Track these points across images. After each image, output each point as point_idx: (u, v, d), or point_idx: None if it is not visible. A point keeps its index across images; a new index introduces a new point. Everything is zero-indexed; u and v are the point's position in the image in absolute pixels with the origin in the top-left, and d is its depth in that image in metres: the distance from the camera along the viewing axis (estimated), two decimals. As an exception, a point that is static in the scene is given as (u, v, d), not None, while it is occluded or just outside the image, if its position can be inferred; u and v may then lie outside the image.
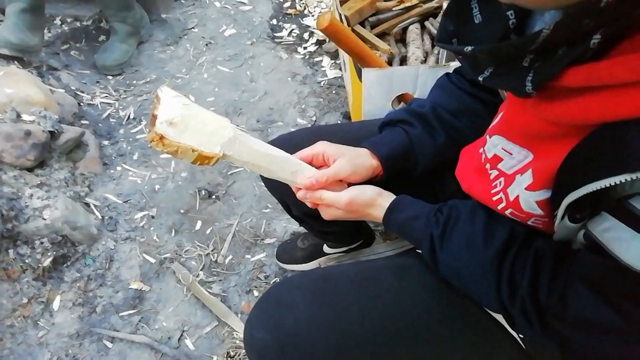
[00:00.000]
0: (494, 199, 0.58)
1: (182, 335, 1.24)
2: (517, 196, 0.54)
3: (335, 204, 0.71)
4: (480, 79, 0.49)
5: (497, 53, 0.46)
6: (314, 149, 0.74)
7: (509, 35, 0.50)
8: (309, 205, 0.74)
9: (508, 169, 0.56)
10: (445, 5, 1.45)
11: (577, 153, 0.44)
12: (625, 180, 0.38)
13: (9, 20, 1.66)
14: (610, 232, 0.43)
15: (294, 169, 0.71)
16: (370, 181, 0.76)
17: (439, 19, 1.49)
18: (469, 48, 0.46)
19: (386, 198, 0.71)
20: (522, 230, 0.58)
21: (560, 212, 0.47)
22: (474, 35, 0.51)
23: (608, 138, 0.40)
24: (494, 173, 0.59)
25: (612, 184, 0.39)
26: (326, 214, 0.73)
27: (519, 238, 0.58)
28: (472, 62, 0.50)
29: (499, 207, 0.57)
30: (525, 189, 0.52)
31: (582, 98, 0.41)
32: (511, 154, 0.55)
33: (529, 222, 0.56)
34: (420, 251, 0.69)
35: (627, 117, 0.38)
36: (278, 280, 1.34)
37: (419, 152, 0.77)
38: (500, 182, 0.58)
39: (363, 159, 0.75)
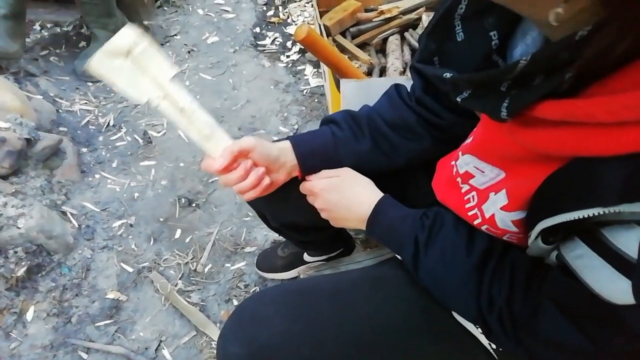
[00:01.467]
0: (469, 214, 0.59)
1: (159, 345, 1.22)
2: (493, 215, 0.55)
3: (327, 173, 0.73)
4: (458, 99, 0.50)
5: (476, 81, 0.47)
6: (238, 144, 0.70)
7: (491, 55, 0.51)
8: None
9: (480, 185, 0.57)
10: (424, 19, 1.48)
11: (552, 181, 0.45)
12: (598, 213, 0.39)
13: None
14: (582, 260, 0.44)
15: (209, 134, 0.69)
16: None
17: (418, 30, 1.51)
18: (448, 74, 0.47)
19: (376, 190, 0.72)
20: (499, 242, 0.59)
21: (533, 234, 0.48)
22: (456, 53, 0.52)
23: (582, 170, 0.41)
24: (465, 187, 0.60)
25: (585, 216, 0.40)
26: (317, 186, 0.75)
27: (498, 248, 0.59)
28: (452, 84, 0.51)
29: (475, 223, 0.58)
30: (501, 209, 0.53)
31: (557, 130, 0.42)
32: (483, 172, 0.56)
33: (504, 238, 0.57)
34: (398, 256, 0.69)
35: (601, 155, 0.39)
36: (258, 289, 1.33)
37: (342, 156, 0.76)
38: (473, 196, 0.59)
39: (283, 151, 0.75)
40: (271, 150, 0.73)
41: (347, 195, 0.72)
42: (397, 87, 0.81)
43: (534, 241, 0.50)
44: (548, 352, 0.51)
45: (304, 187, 0.77)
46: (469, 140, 0.62)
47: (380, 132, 0.77)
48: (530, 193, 0.48)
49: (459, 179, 0.62)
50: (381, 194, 0.71)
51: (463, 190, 0.60)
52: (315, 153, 0.76)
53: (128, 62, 0.65)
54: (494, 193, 0.54)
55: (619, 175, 0.38)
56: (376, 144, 0.77)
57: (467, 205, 0.59)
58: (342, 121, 0.78)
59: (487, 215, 0.56)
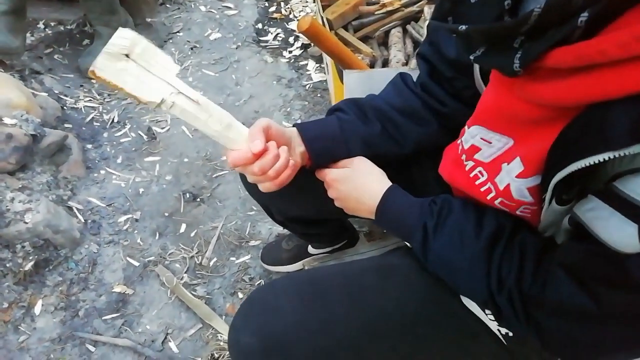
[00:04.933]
0: (482, 189, 0.59)
1: (165, 338, 1.23)
2: (508, 185, 0.55)
3: (343, 163, 0.74)
4: (471, 57, 0.50)
5: (490, 33, 0.46)
6: (259, 124, 0.69)
7: (503, 17, 0.50)
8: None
9: (486, 158, 0.57)
10: (426, 11, 1.48)
11: (565, 135, 0.45)
12: (609, 158, 0.39)
13: None
14: (593, 212, 0.44)
15: (230, 122, 0.66)
16: None
17: (420, 22, 1.51)
18: (463, 27, 0.46)
19: (387, 181, 0.73)
20: (509, 223, 0.59)
21: (548, 194, 0.49)
22: (469, 14, 0.51)
23: (593, 118, 0.41)
24: (470, 164, 0.60)
25: (596, 162, 0.40)
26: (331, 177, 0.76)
27: (507, 230, 0.59)
28: (465, 41, 0.51)
29: (488, 197, 0.58)
30: (516, 177, 0.53)
31: (569, 79, 0.42)
32: (490, 143, 0.56)
33: (518, 212, 0.57)
34: (407, 244, 0.69)
35: (615, 96, 0.39)
36: (263, 282, 1.34)
37: (349, 139, 0.76)
38: (480, 172, 0.59)
39: (292, 133, 0.75)
40: (284, 131, 0.73)
41: (358, 186, 0.72)
42: (402, 75, 0.81)
43: (548, 207, 0.50)
44: (554, 320, 0.52)
45: (319, 174, 0.78)
46: (474, 112, 0.61)
47: (386, 116, 0.77)
48: (543, 153, 0.49)
49: (463, 156, 0.62)
50: (390, 184, 0.71)
51: (467, 168, 0.60)
52: (321, 137, 0.75)
53: (131, 63, 0.61)
54: (506, 163, 0.54)
55: (632, 115, 0.38)
56: (383, 127, 0.77)
57: (477, 182, 0.59)
58: (346, 107, 0.78)
59: (501, 187, 0.56)
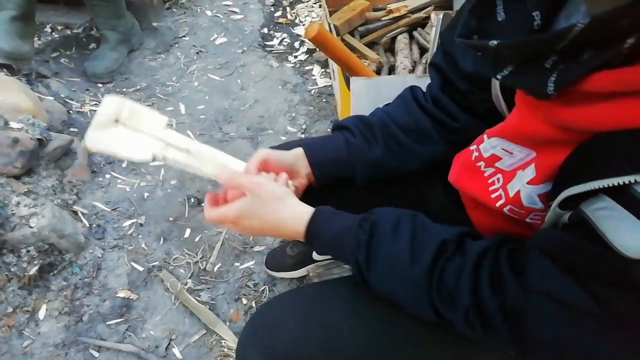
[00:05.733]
0: (493, 196, 0.58)
1: (169, 343, 1.23)
2: (518, 191, 0.54)
3: (241, 186, 0.65)
4: (498, 77, 0.48)
5: (524, 48, 0.44)
6: (256, 158, 0.70)
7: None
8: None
9: (507, 167, 0.56)
10: (433, 17, 1.48)
11: (585, 148, 0.44)
12: (635, 180, 0.39)
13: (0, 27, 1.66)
14: (604, 211, 0.43)
15: (223, 161, 0.69)
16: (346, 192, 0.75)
17: (427, 29, 1.51)
18: (494, 42, 0.44)
19: (298, 203, 0.66)
20: (452, 243, 0.58)
21: (556, 202, 0.47)
22: (496, 33, 0.50)
23: (620, 139, 0.40)
24: (489, 170, 0.59)
25: (621, 183, 0.39)
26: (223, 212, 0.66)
27: (450, 248, 0.58)
28: (493, 58, 0.49)
29: (497, 204, 0.57)
30: (527, 183, 0.52)
31: (609, 103, 0.41)
32: (511, 153, 0.55)
33: (528, 219, 0.56)
34: None
35: None
36: (267, 288, 1.33)
37: (356, 162, 0.75)
38: (498, 178, 0.58)
39: (297, 157, 0.74)
40: (285, 158, 0.74)
41: (268, 218, 0.65)
42: (413, 90, 0.80)
43: (552, 210, 0.49)
44: (543, 308, 0.49)
45: (210, 217, 0.68)
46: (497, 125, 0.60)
47: (393, 137, 0.76)
48: (559, 163, 0.48)
49: (480, 163, 0.60)
50: (305, 207, 0.66)
51: (487, 174, 0.59)
52: (328, 162, 0.75)
53: (120, 127, 0.64)
54: (521, 170, 0.53)
55: None
56: (389, 149, 0.76)
57: (491, 188, 0.58)
58: (354, 127, 0.77)
59: (511, 194, 0.55)
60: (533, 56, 0.44)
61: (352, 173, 0.76)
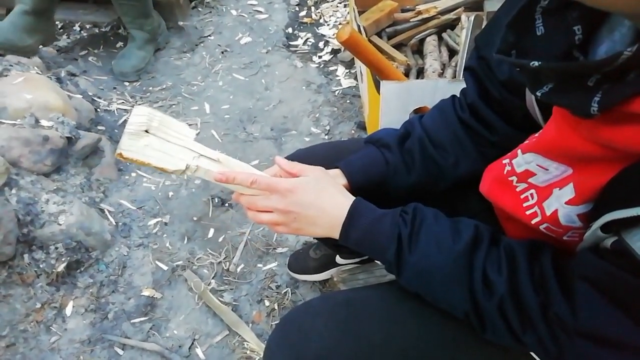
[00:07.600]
0: (528, 212, 0.57)
1: (192, 343, 1.23)
2: (556, 210, 0.52)
3: (302, 169, 0.69)
4: (538, 94, 0.47)
5: (567, 72, 0.43)
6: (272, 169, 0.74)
7: (572, 51, 0.48)
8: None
9: (541, 182, 0.55)
10: (463, 19, 1.45)
11: (633, 170, 0.43)
12: None
13: (8, 19, 1.74)
14: None
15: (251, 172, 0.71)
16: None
17: (457, 31, 1.48)
18: (536, 63, 0.43)
19: (347, 192, 0.69)
20: (486, 231, 0.58)
21: (597, 224, 0.46)
22: (535, 48, 0.49)
23: None
24: (522, 185, 0.58)
25: None
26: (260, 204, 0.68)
27: (485, 236, 0.58)
28: (534, 77, 0.48)
29: (533, 222, 0.56)
30: (566, 203, 0.51)
31: None
32: (547, 170, 0.54)
33: (565, 237, 0.54)
34: (378, 261, 0.67)
35: None
36: (289, 291, 1.33)
37: (392, 184, 0.77)
38: (531, 194, 0.56)
39: (335, 178, 0.75)
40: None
41: (323, 197, 0.66)
42: (453, 99, 0.79)
43: (592, 231, 0.47)
44: (581, 341, 0.48)
45: (260, 183, 0.67)
46: (530, 140, 0.59)
47: (431, 159, 0.76)
48: (600, 185, 0.46)
49: (513, 178, 0.59)
50: (353, 197, 0.68)
51: (519, 189, 0.58)
52: (368, 184, 0.76)
53: (151, 137, 0.65)
54: (558, 188, 0.52)
55: None
56: (427, 172, 0.77)
57: (524, 204, 0.57)
58: (393, 145, 0.77)
59: (548, 213, 0.53)
60: (575, 76, 0.43)
61: (385, 193, 0.78)
